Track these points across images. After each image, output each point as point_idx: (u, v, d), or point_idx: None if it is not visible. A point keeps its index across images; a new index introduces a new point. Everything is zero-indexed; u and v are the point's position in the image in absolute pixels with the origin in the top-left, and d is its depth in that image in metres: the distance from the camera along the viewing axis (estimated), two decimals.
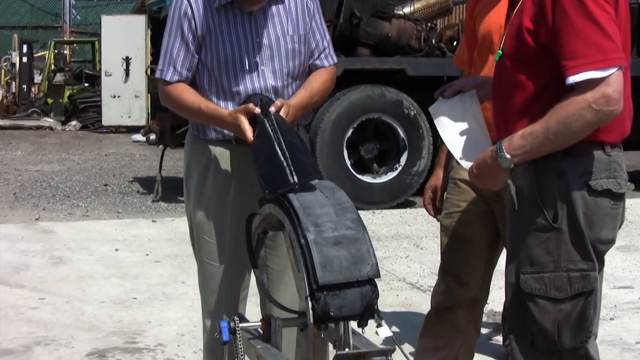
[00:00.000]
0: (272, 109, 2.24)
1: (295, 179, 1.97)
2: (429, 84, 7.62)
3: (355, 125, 7.10)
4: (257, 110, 2.24)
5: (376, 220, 6.61)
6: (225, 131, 2.40)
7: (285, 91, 2.43)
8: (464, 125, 2.12)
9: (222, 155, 2.47)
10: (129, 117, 9.48)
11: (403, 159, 7.21)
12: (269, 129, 2.17)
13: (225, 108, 2.37)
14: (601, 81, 1.79)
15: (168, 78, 2.42)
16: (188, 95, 2.40)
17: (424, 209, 2.78)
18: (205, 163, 2.49)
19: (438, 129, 2.14)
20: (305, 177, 1.98)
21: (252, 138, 2.22)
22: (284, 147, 2.07)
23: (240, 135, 2.27)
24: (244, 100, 2.35)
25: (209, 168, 2.48)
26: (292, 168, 2.00)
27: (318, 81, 2.46)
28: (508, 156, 1.89)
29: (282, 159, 2.04)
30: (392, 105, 7.11)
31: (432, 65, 7.33)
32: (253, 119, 2.24)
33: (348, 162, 7.11)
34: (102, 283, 4.63)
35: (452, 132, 2.12)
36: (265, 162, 2.09)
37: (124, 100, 9.39)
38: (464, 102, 2.16)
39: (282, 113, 2.26)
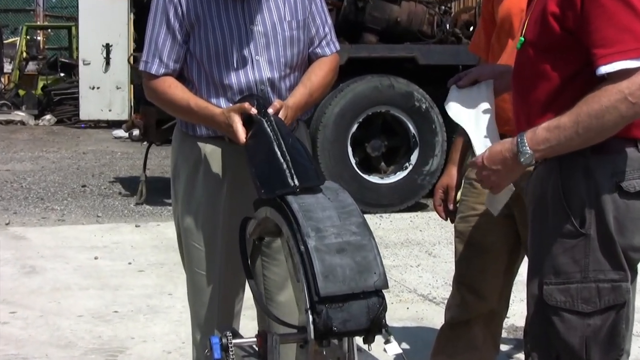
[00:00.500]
0: (270, 110, 2.24)
1: (296, 182, 1.98)
2: (442, 73, 7.66)
3: (360, 120, 7.11)
4: (253, 110, 2.24)
5: (384, 225, 6.62)
6: None
7: (283, 83, 2.44)
8: (478, 116, 2.13)
9: (214, 154, 2.48)
10: (110, 110, 9.48)
11: (414, 157, 7.21)
12: (268, 129, 2.17)
13: (217, 105, 2.38)
14: (636, 71, 1.79)
15: (153, 71, 2.43)
16: (176, 90, 2.40)
17: (436, 213, 2.78)
18: (195, 162, 2.50)
19: (454, 119, 2.15)
20: (308, 182, 1.99)
21: (244, 140, 2.22)
22: (284, 149, 2.08)
23: (231, 136, 2.28)
24: (238, 99, 2.36)
25: (198, 167, 2.49)
26: (292, 171, 2.00)
27: (318, 75, 2.46)
28: (530, 151, 1.89)
29: (282, 160, 2.05)
30: (401, 98, 7.12)
31: (446, 52, 7.34)
32: (248, 120, 2.25)
33: (353, 161, 7.12)
34: (79, 295, 4.64)
35: (469, 121, 2.13)
36: (261, 162, 2.10)
37: (104, 92, 9.39)
38: (480, 92, 2.17)
39: (280, 115, 2.26)
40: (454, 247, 2.66)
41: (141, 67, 2.45)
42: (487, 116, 2.14)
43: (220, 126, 2.31)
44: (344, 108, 7.03)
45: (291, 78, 2.46)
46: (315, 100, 2.46)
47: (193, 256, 2.53)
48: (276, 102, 2.28)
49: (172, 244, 4.62)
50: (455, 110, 2.17)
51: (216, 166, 2.48)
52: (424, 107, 7.15)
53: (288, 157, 2.05)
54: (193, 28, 2.39)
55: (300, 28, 2.44)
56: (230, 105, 2.37)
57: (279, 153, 2.07)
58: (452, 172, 2.68)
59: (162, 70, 2.42)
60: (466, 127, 2.14)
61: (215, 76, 2.40)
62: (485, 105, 2.16)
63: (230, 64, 2.38)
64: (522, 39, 1.98)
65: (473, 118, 2.14)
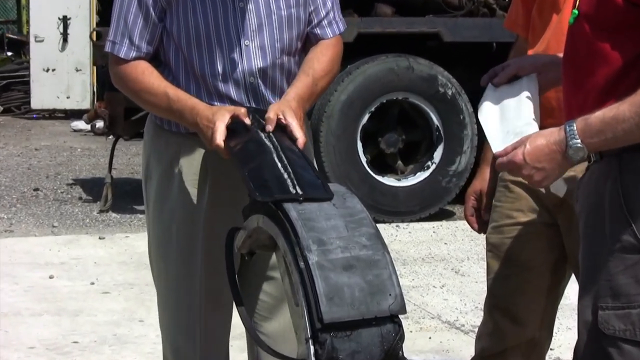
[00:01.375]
0: (268, 127, 2.24)
1: (299, 191, 1.99)
2: (472, 52, 7.69)
3: (372, 109, 7.11)
4: (248, 121, 2.25)
5: (401, 237, 6.62)
6: None
7: (277, 73, 2.44)
8: (517, 122, 2.12)
9: (194, 151, 2.48)
10: (68, 97, 9.47)
11: (437, 155, 7.21)
12: (265, 140, 2.19)
13: (199, 99, 2.37)
14: None
15: (122, 54, 2.43)
16: (150, 78, 2.40)
17: (465, 222, 2.78)
18: (171, 160, 2.50)
19: (483, 126, 2.15)
20: (314, 192, 1.99)
21: (220, 142, 2.22)
22: (286, 162, 2.09)
23: (205, 134, 2.27)
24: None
25: (175, 167, 2.49)
26: (295, 182, 2.01)
27: (322, 61, 2.46)
28: (580, 143, 1.89)
29: (282, 171, 2.07)
30: (422, 82, 7.12)
31: (476, 27, 7.35)
32: (237, 128, 2.25)
33: (363, 159, 7.12)
34: (31, 322, 4.64)
35: (498, 128, 2.12)
36: (257, 167, 2.11)
37: (60, 75, 9.39)
38: (521, 90, 2.16)
39: (283, 119, 2.24)
40: (485, 263, 2.66)
41: (107, 48, 2.45)
42: (525, 107, 2.14)
43: (200, 122, 2.30)
44: (352, 95, 7.04)
45: (287, 66, 2.46)
46: (320, 92, 2.46)
47: (168, 274, 2.54)
48: (271, 114, 2.25)
49: (143, 260, 4.60)
50: (488, 115, 2.15)
51: (196, 166, 2.48)
52: (449, 93, 7.15)
53: (290, 169, 2.06)
54: (170, 4, 2.39)
55: (299, 5, 2.44)
56: (216, 103, 2.38)
57: (279, 164, 2.09)
58: (486, 173, 2.68)
59: (132, 54, 2.42)
60: (489, 134, 2.13)
61: (195, 65, 2.39)
62: (526, 109, 2.14)
63: (213, 50, 2.38)
64: (576, 12, 1.98)
65: (505, 124, 2.13)
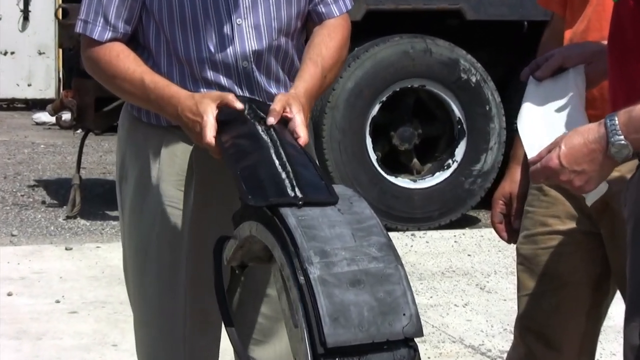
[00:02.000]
0: (271, 120, 2.24)
1: (299, 193, 1.99)
2: (499, 33, 7.68)
3: (384, 99, 7.12)
4: (239, 105, 2.24)
5: (417, 247, 6.62)
6: None
7: (273, 57, 2.45)
8: (562, 126, 2.12)
9: (176, 147, 2.49)
10: (29, 85, 9.50)
11: (459, 152, 7.22)
12: (262, 134, 2.19)
13: (184, 87, 2.38)
14: None
15: (96, 35, 2.43)
16: (126, 62, 2.40)
17: (492, 230, 2.78)
18: (150, 158, 2.51)
19: (520, 130, 2.14)
20: (315, 194, 1.99)
21: (211, 139, 2.22)
22: (285, 160, 2.09)
23: (193, 131, 2.27)
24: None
25: (154, 165, 2.50)
26: (294, 182, 2.01)
27: (330, 47, 2.47)
28: (623, 140, 1.89)
29: (281, 170, 2.07)
30: (442, 67, 7.13)
31: (504, 4, 7.35)
32: (229, 119, 2.25)
33: (373, 157, 7.12)
34: None
35: (539, 134, 2.11)
36: (251, 166, 2.11)
37: (20, 59, 9.40)
38: (567, 84, 2.16)
39: (289, 114, 2.24)
40: (516, 278, 2.66)
41: (78, 28, 2.46)
42: (572, 108, 2.13)
43: (183, 114, 2.30)
44: (360, 82, 7.04)
45: (284, 49, 2.47)
46: (328, 85, 2.47)
47: (146, 292, 2.53)
48: (277, 106, 2.25)
49: (117, 274, 4.59)
50: (528, 117, 2.15)
51: (180, 164, 2.48)
52: (473, 80, 7.15)
53: (289, 168, 2.06)
54: None
55: None
56: (202, 90, 2.38)
57: (277, 162, 2.09)
58: (516, 174, 2.68)
59: (108, 35, 2.42)
60: (524, 125, 2.13)
61: (179, 47, 2.40)
62: (574, 107, 2.14)
63: (199, 30, 2.39)
64: None
65: (547, 125, 2.13)
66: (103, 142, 10.06)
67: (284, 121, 2.26)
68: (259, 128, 2.22)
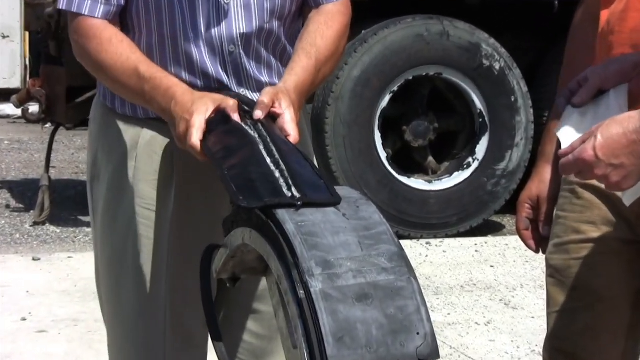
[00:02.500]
0: (258, 113, 2.25)
1: (296, 193, 1.99)
2: (526, 13, 7.69)
3: (395, 89, 7.13)
4: (236, 117, 2.25)
5: (433, 257, 6.63)
6: None
7: (264, 43, 2.46)
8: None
9: (155, 141, 2.50)
10: None
11: (481, 148, 7.24)
12: (249, 129, 2.20)
13: (164, 68, 2.39)
14: None
15: (86, 10, 2.43)
16: (119, 48, 2.40)
17: (518, 238, 2.78)
18: (125, 155, 2.52)
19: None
20: (316, 194, 1.99)
21: (197, 144, 2.21)
22: (277, 156, 2.09)
23: (177, 132, 2.27)
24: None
25: (131, 163, 2.51)
26: (290, 181, 2.01)
27: (327, 37, 2.47)
28: None
29: (274, 168, 2.07)
30: (461, 53, 7.14)
31: None
32: (218, 122, 2.26)
33: (383, 154, 7.14)
34: None
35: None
36: (240, 164, 2.11)
37: None
38: (609, 108, 2.15)
39: (277, 110, 2.25)
40: (545, 292, 2.66)
41: (62, 4, 2.45)
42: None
43: (174, 108, 2.29)
44: (368, 70, 7.05)
45: (277, 35, 2.48)
46: (321, 80, 2.48)
47: (123, 307, 2.54)
48: (266, 98, 2.26)
49: (92, 288, 4.58)
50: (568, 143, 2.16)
51: (159, 161, 2.49)
52: (497, 67, 7.16)
53: (284, 166, 2.06)
54: None
55: None
56: (184, 75, 2.39)
57: (269, 160, 2.09)
58: (546, 173, 2.68)
59: (100, 8, 2.42)
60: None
61: (165, 27, 2.41)
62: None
63: (184, 9, 2.40)
64: None
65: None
66: (75, 138, 10.07)
67: (272, 117, 2.26)
68: (247, 123, 2.23)
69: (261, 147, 2.13)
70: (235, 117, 2.24)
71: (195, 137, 2.21)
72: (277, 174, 2.05)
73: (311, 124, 7.02)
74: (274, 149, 2.13)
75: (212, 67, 2.42)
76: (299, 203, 1.95)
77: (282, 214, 1.94)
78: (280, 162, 2.08)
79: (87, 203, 2.65)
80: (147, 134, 2.50)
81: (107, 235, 2.55)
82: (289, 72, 2.39)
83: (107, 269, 2.57)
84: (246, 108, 2.28)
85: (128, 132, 2.52)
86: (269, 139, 2.16)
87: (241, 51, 2.43)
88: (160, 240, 2.50)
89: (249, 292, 2.52)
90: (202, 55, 2.42)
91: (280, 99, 2.27)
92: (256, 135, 2.19)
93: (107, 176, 2.54)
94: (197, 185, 2.47)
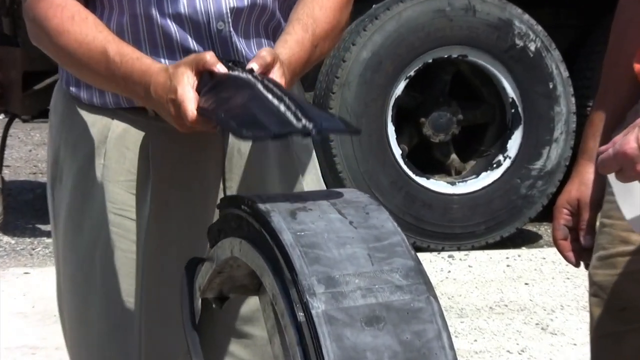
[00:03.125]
0: (254, 66, 2.25)
1: (308, 124, 1.97)
2: None
3: (411, 74, 7.14)
4: (220, 67, 2.24)
5: (457, 274, 6.64)
6: None
7: (255, 18, 2.47)
8: None
9: (127, 136, 2.51)
10: None
11: (513, 144, 7.25)
12: (243, 75, 2.20)
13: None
14: None
15: None
16: (83, 28, 2.39)
17: (555, 250, 2.78)
18: (92, 152, 2.52)
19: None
20: (331, 123, 2.01)
21: (194, 117, 2.21)
22: (280, 93, 2.09)
23: (170, 119, 2.27)
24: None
25: (98, 162, 2.52)
26: (299, 113, 2.00)
27: (326, 8, 2.48)
28: None
29: (277, 103, 2.05)
30: (489, 31, 7.15)
31: None
32: (205, 83, 2.26)
33: (397, 151, 7.14)
34: None
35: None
36: (235, 106, 2.11)
37: None
38: None
39: (274, 75, 2.27)
40: (588, 314, 2.66)
41: None
42: None
43: (155, 94, 2.29)
44: (380, 51, 7.06)
45: (270, 10, 2.50)
46: (318, 58, 2.49)
47: (89, 330, 2.54)
48: (264, 52, 2.27)
49: (53, 310, 4.59)
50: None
51: (132, 159, 2.50)
52: (532, 48, 7.17)
53: (288, 102, 2.05)
54: None
55: None
56: (162, 60, 2.39)
57: (270, 96, 2.08)
58: (588, 173, 2.69)
59: None
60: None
61: (138, 3, 2.42)
62: None
63: None
64: None
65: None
66: (34, 132, 10.08)
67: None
68: (239, 72, 2.22)
69: (259, 86, 2.13)
70: (220, 67, 2.23)
71: (191, 112, 2.20)
72: (283, 108, 2.03)
73: None
74: (273, 87, 2.12)
75: (197, 48, 2.43)
76: (314, 132, 1.95)
77: (278, 222, 1.94)
78: (284, 97, 2.07)
79: (47, 209, 2.66)
80: (118, 127, 2.50)
81: (71, 247, 2.56)
82: (281, 44, 2.39)
83: (71, 287, 2.57)
84: (231, 64, 2.27)
85: (96, 124, 2.52)
86: (266, 80, 2.15)
87: (231, 28, 2.44)
88: (134, 251, 2.50)
89: (239, 313, 2.53)
90: (184, 34, 2.42)
91: (275, 65, 2.27)
92: (250, 77, 2.18)
93: (71, 177, 2.55)
94: (178, 187, 2.47)
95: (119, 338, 2.53)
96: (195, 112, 2.19)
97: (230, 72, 2.23)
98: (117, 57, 2.35)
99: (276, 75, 2.26)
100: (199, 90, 2.23)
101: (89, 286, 2.53)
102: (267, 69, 2.25)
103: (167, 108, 2.25)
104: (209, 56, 2.24)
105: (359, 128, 1.99)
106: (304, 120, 1.98)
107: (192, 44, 2.43)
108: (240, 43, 2.45)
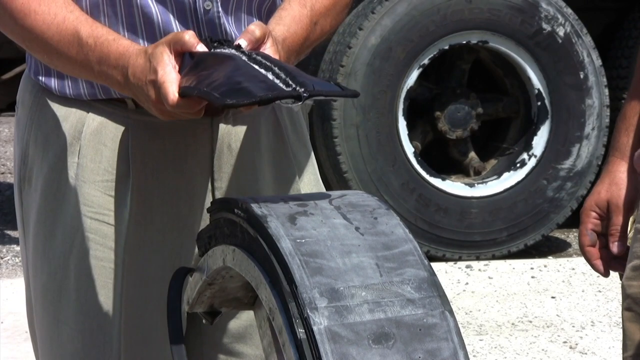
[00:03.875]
0: (242, 42, 2.26)
1: (299, 87, 1.99)
2: None
3: (425, 62, 7.16)
4: (201, 47, 2.24)
5: (475, 286, 6.66)
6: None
7: (243, 3, 2.48)
8: None
9: (105, 131, 2.52)
10: None
11: (539, 141, 7.27)
12: (227, 50, 2.21)
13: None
14: None
15: None
16: (52, 7, 2.40)
17: (584, 260, 2.79)
18: (65, 149, 2.53)
19: None
20: (323, 87, 2.01)
21: (175, 100, 2.21)
22: (268, 63, 2.10)
23: (151, 105, 2.27)
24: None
25: (72, 161, 2.53)
26: (289, 80, 2.02)
27: None
28: None
29: (264, 71, 2.07)
30: (513, 15, 7.17)
31: None
32: (186, 63, 2.26)
33: (409, 149, 7.16)
34: None
35: None
36: (218, 78, 2.11)
37: None
38: None
39: (268, 50, 2.28)
40: (622, 331, 2.66)
41: None
42: None
43: (133, 78, 2.29)
44: (389, 37, 7.09)
45: None
46: (318, 38, 2.50)
47: (64, 348, 2.54)
48: (253, 26, 2.28)
49: (22, 326, 4.58)
50: None
51: (109, 158, 2.51)
52: (560, 34, 7.19)
53: (277, 70, 2.06)
54: None
55: None
56: (142, 43, 2.39)
57: (256, 66, 2.09)
58: (619, 172, 2.70)
59: None
60: None
61: None
62: None
63: None
64: None
65: None
66: (1, 127, 10.10)
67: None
68: (224, 48, 2.23)
69: (244, 58, 2.14)
70: (200, 47, 2.23)
71: (172, 94, 2.19)
72: (271, 76, 2.05)
73: (313, 109, 7.06)
74: (262, 59, 2.13)
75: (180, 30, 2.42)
76: (305, 95, 1.96)
77: (276, 228, 1.95)
78: (273, 66, 2.08)
79: (15, 213, 2.66)
80: (93, 121, 2.51)
81: (42, 256, 2.56)
82: (276, 21, 2.41)
83: (43, 300, 2.57)
84: (216, 44, 2.27)
85: (68, 118, 2.53)
86: (254, 54, 2.16)
87: (219, 8, 2.44)
88: (113, 260, 2.51)
89: (229, 329, 2.54)
90: (166, 15, 2.43)
91: (267, 41, 2.28)
92: (234, 51, 2.19)
93: (41, 178, 2.55)
94: (161, 188, 2.48)
95: (95, 357, 2.53)
96: (176, 95, 2.19)
97: (214, 50, 2.24)
98: (90, 40, 2.35)
99: (268, 52, 2.26)
100: (180, 72, 2.23)
101: (61, 300, 2.54)
102: (256, 44, 2.25)
103: (147, 91, 2.25)
104: (188, 36, 2.24)
105: (356, 91, 1.99)
106: (292, 85, 1.99)
107: (174, 25, 2.43)
108: (230, 26, 2.46)
